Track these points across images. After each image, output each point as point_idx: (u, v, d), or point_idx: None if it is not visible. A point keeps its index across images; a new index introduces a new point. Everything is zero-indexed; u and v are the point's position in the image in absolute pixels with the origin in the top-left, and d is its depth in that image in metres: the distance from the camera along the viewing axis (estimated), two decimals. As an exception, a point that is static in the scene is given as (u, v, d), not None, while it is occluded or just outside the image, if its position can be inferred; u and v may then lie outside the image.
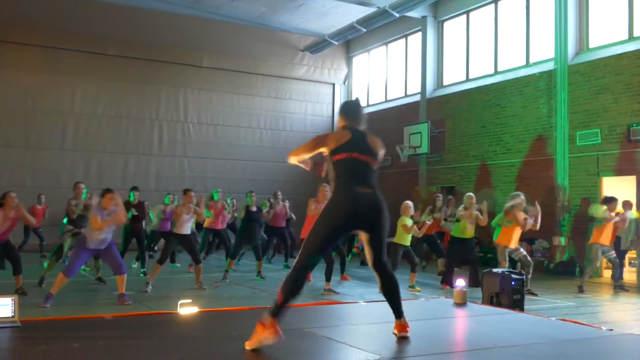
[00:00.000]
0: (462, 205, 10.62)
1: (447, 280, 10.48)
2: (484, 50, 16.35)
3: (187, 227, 9.82)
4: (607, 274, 12.12)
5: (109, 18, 17.90)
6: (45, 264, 10.60)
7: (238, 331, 4.22)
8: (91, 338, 4.44)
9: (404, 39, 19.35)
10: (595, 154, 12.93)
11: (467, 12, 16.89)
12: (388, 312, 4.65)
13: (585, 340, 4.88)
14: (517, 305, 7.38)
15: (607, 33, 13.40)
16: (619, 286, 10.66)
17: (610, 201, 10.52)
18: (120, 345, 4.28)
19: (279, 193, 13.44)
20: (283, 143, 20.51)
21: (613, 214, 10.41)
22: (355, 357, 4.06)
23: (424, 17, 17.68)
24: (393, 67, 19.94)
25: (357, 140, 4.45)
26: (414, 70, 18.67)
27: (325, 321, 5.51)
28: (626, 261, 12.33)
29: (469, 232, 10.44)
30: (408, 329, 4.55)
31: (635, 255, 12.30)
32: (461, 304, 6.31)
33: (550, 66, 14.05)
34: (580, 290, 10.34)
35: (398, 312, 4.56)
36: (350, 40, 21.03)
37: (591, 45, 13.70)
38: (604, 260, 11.49)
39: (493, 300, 7.51)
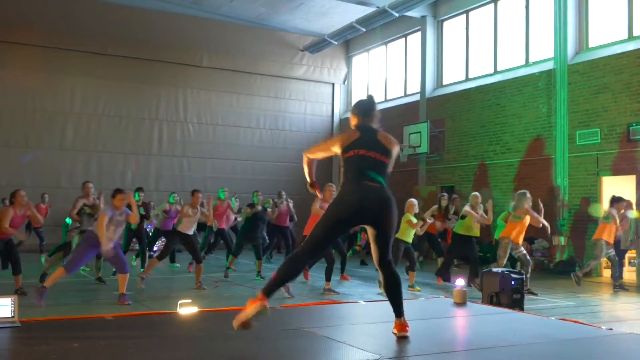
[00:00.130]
0: (467, 204, 10.69)
1: (442, 274, 10.53)
2: (483, 50, 16.35)
3: (191, 228, 9.86)
4: (607, 273, 12.12)
5: (109, 18, 17.91)
6: (43, 259, 10.60)
7: (238, 331, 4.22)
8: (91, 338, 4.44)
9: (403, 39, 19.35)
10: (595, 154, 12.93)
11: (467, 12, 16.89)
12: (388, 312, 4.65)
13: (585, 340, 4.88)
14: (517, 304, 7.38)
15: (606, 32, 13.40)
16: (618, 285, 10.66)
17: (618, 201, 10.56)
18: (120, 345, 4.28)
19: (283, 192, 13.48)
20: (282, 143, 20.55)
21: (621, 212, 10.47)
22: (355, 356, 4.06)
23: (423, 17, 17.68)
24: (392, 67, 19.94)
25: (366, 137, 4.53)
26: (414, 69, 18.67)
27: (325, 321, 5.51)
28: (626, 260, 12.33)
29: (474, 230, 10.47)
30: (408, 328, 4.56)
31: (635, 255, 12.31)
32: (461, 303, 6.31)
33: (549, 66, 14.06)
34: (577, 281, 10.37)
35: (398, 311, 4.58)
36: (350, 40, 21.04)
37: (591, 45, 13.70)
38: (604, 259, 11.51)
39: (493, 299, 7.51)
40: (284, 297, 8.55)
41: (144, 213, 11.76)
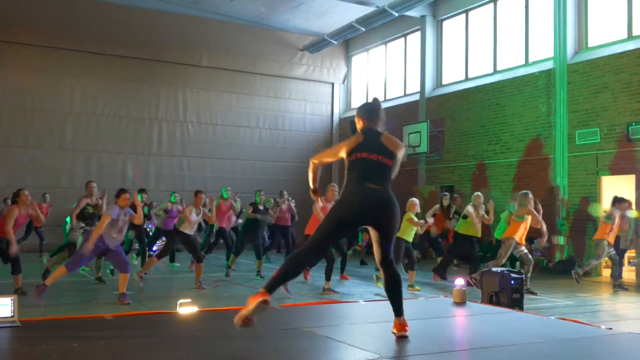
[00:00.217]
0: (470, 204, 10.71)
1: (439, 272, 10.54)
2: (483, 50, 16.35)
3: (193, 228, 9.88)
4: (606, 272, 12.13)
5: (108, 18, 17.90)
6: (45, 260, 10.60)
7: (238, 330, 4.22)
8: (90, 338, 4.44)
9: (403, 38, 19.35)
10: (595, 153, 12.93)
11: (466, 12, 16.89)
12: (387, 312, 4.66)
13: (584, 339, 4.88)
14: (517, 304, 7.38)
15: (606, 32, 13.40)
16: (618, 285, 10.67)
17: (620, 201, 10.57)
18: (120, 345, 4.28)
19: (285, 192, 13.49)
20: (282, 142, 20.55)
21: (622, 213, 10.49)
22: (354, 356, 4.07)
23: (423, 17, 17.68)
24: (392, 67, 19.93)
25: (369, 140, 4.58)
26: (413, 69, 18.67)
27: (324, 320, 5.51)
28: (625, 260, 12.34)
29: (475, 230, 10.48)
30: (407, 328, 4.57)
31: (634, 254, 12.31)
32: (460, 303, 6.32)
33: (549, 65, 14.05)
34: (577, 278, 10.39)
35: (398, 311, 4.60)
36: (350, 40, 21.04)
37: (590, 44, 13.70)
38: (605, 258, 11.52)
39: (492, 299, 7.51)
40: (283, 297, 8.56)
41: (147, 213, 11.88)
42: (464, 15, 17.00)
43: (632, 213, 10.97)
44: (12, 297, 4.81)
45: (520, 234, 9.91)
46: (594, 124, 12.99)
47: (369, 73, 21.00)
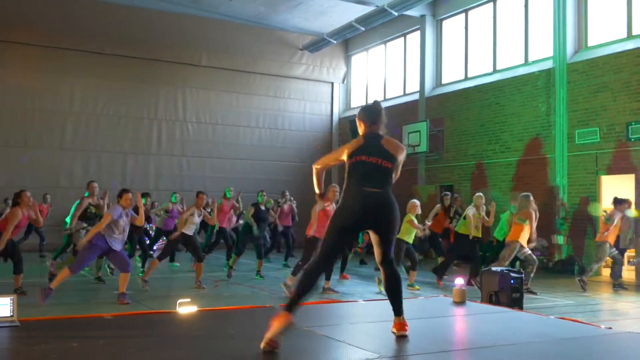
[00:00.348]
0: (471, 204, 10.72)
1: (439, 272, 10.56)
2: (482, 49, 16.35)
3: (194, 229, 9.89)
4: (606, 272, 12.13)
5: (108, 18, 17.89)
6: (48, 263, 10.61)
7: (237, 330, 4.22)
8: (90, 337, 4.44)
9: (402, 38, 19.35)
10: (594, 153, 12.93)
11: (466, 11, 16.89)
12: (387, 311, 4.66)
13: (584, 339, 4.88)
14: (516, 303, 7.38)
15: (605, 31, 13.40)
16: (618, 284, 10.67)
17: (621, 202, 10.57)
18: (120, 345, 4.28)
19: (287, 192, 13.50)
20: (282, 142, 20.55)
21: (622, 214, 10.49)
22: (354, 355, 4.07)
23: (422, 16, 17.67)
24: (392, 66, 19.93)
25: (369, 144, 4.59)
26: (413, 68, 18.67)
27: (324, 320, 5.51)
28: (625, 260, 12.34)
29: (476, 231, 10.50)
30: (406, 327, 4.58)
31: (633, 254, 12.32)
32: (460, 302, 6.32)
33: (549, 65, 14.05)
34: (583, 285, 10.36)
35: (398, 310, 4.61)
36: (349, 39, 21.03)
37: (590, 44, 13.70)
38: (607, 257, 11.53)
39: (492, 298, 7.51)
40: (283, 297, 8.55)
41: (150, 215, 11.94)
42: (463, 14, 17.00)
43: (631, 213, 10.97)
44: (12, 297, 4.81)
45: (524, 237, 9.93)
46: (594, 123, 12.99)
47: (368, 72, 21.00)
